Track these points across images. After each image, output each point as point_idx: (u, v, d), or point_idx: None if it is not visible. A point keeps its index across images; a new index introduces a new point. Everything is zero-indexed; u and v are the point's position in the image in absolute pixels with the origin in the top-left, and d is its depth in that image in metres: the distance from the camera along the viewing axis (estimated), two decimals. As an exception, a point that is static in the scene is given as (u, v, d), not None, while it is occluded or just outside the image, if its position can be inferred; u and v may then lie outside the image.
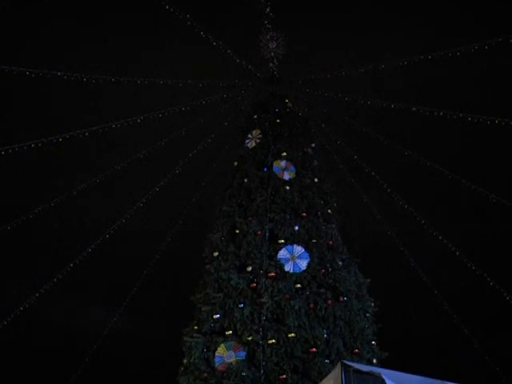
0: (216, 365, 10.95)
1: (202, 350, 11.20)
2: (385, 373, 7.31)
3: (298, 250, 11.87)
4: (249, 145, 14.12)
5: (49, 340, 17.67)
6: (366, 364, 10.72)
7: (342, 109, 14.78)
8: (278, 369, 10.61)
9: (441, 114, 13.36)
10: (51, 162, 16.26)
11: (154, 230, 16.85)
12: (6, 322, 12.96)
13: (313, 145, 14.33)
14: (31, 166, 16.12)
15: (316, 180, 13.38)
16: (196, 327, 11.67)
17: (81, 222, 17.98)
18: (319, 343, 10.93)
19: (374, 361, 11.58)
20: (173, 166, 15.09)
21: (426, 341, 17.11)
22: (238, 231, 12.37)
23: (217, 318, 11.42)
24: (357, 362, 10.34)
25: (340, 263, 12.24)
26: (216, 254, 12.40)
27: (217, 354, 11.01)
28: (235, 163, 13.96)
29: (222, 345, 11.02)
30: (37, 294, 13.41)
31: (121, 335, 15.48)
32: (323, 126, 15.30)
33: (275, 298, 11.18)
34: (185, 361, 11.49)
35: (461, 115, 13.01)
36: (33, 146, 12.30)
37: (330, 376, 8.07)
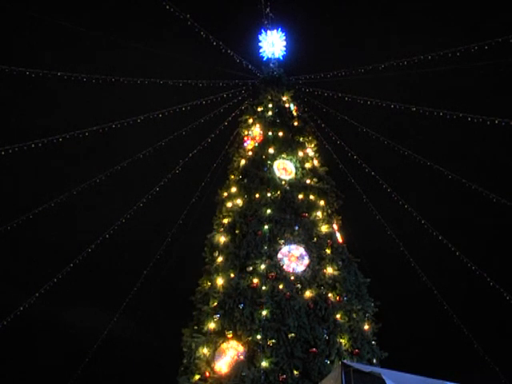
0: (216, 365, 10.93)
1: (202, 350, 11.17)
2: (385, 373, 7.31)
3: (298, 250, 11.84)
4: (248, 145, 14.11)
5: (48, 341, 17.65)
6: (366, 364, 10.71)
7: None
8: (277, 369, 10.56)
9: (441, 114, 13.38)
10: (51, 162, 16.27)
11: (154, 230, 16.86)
12: (5, 322, 12.96)
13: (312, 145, 14.33)
14: (31, 166, 16.12)
15: (316, 180, 13.37)
16: (196, 327, 11.63)
17: (81, 221, 17.99)
18: (319, 343, 10.88)
19: (374, 361, 11.53)
20: (173, 166, 15.10)
21: (426, 341, 17.11)
22: (237, 231, 12.35)
23: (217, 318, 11.40)
24: (357, 362, 10.35)
25: (340, 263, 12.21)
26: (216, 253, 12.38)
27: (217, 353, 10.98)
28: (235, 163, 13.95)
29: (222, 345, 11.00)
30: (36, 294, 13.41)
31: (120, 335, 15.47)
32: (323, 125, 15.32)
33: (275, 298, 11.14)
34: (185, 361, 11.45)
35: (461, 115, 13.03)
36: (33, 145, 12.30)
37: (330, 376, 8.07)
